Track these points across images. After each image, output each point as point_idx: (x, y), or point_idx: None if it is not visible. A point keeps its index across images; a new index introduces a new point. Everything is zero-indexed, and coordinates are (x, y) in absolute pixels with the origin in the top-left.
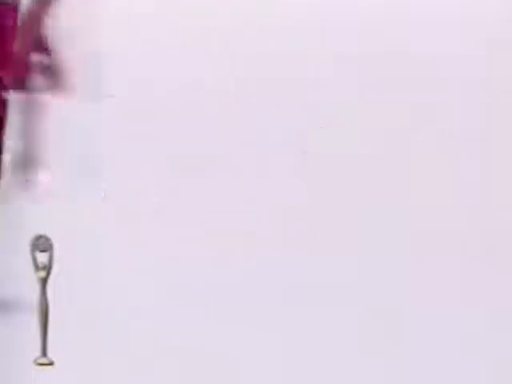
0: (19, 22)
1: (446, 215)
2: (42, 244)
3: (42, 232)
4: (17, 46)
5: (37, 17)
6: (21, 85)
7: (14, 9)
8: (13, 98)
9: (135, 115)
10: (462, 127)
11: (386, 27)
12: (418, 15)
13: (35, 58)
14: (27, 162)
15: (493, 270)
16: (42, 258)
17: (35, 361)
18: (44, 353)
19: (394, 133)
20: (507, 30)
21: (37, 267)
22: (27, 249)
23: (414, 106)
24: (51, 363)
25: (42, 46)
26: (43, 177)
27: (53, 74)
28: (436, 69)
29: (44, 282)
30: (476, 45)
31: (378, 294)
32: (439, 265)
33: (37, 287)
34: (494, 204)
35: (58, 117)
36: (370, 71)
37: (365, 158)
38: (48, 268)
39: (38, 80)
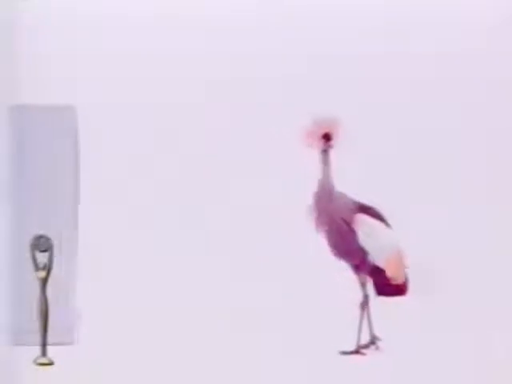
0: None
1: (445, 217)
2: (42, 244)
3: (41, 232)
4: None
5: None
6: None
7: None
8: None
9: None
10: (461, 127)
11: (385, 27)
12: (417, 15)
13: None
14: None
15: None
16: (42, 258)
17: (35, 361)
18: (44, 353)
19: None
20: (507, 29)
21: (37, 267)
22: (27, 249)
23: (414, 106)
24: (51, 363)
25: None
26: None
27: None
28: (436, 68)
29: (44, 282)
30: (476, 44)
31: None
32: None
33: (37, 287)
34: (495, 203)
35: None
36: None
37: (365, 158)
38: (48, 268)
39: None
